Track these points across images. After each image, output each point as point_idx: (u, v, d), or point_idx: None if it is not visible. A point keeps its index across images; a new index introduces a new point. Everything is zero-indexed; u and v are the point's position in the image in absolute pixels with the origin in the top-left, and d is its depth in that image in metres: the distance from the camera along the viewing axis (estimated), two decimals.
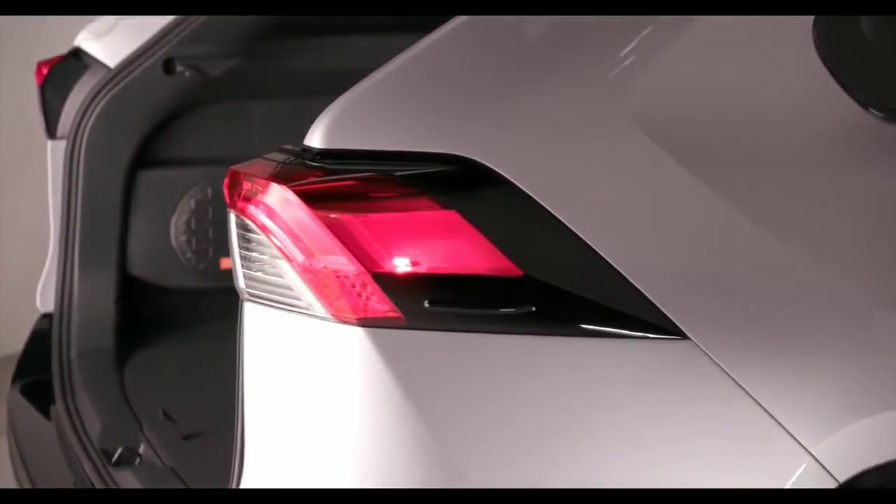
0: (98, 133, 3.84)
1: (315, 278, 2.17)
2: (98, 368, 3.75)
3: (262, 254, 2.23)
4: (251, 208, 2.22)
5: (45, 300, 3.97)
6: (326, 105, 4.13)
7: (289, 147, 2.29)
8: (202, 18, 3.85)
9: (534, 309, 2.15)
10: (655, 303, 2.16)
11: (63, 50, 4.04)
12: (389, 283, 2.15)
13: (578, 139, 2.22)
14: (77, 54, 4.01)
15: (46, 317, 3.95)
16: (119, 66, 3.85)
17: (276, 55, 4.04)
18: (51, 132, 3.96)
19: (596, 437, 2.15)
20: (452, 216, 2.16)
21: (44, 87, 3.98)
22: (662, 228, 2.19)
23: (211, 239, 4.05)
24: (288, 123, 4.12)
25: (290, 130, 4.14)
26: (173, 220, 4.01)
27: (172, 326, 4.02)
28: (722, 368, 2.16)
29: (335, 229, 2.15)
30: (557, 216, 2.16)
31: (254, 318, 2.27)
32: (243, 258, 2.25)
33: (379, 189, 2.18)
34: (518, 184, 2.17)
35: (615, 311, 2.16)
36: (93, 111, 3.83)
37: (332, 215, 2.16)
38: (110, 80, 3.84)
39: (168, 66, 3.88)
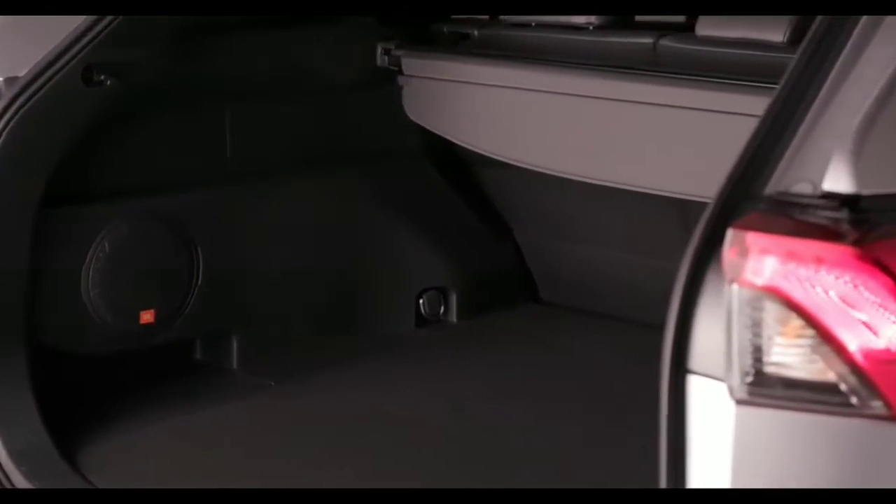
0: (4, 166, 2.94)
1: (884, 367, 1.62)
2: (51, 474, 2.88)
3: (790, 340, 1.64)
4: (781, 279, 1.63)
5: None
6: (281, 112, 3.48)
7: (788, 192, 1.70)
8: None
9: None
10: None
11: None
12: None
13: None
14: None
15: None
16: (28, 79, 2.97)
17: (215, 54, 3.28)
18: None
19: None
20: None
21: None
22: None
23: (129, 289, 3.22)
24: (233, 138, 3.37)
25: (234, 147, 3.42)
26: (84, 269, 3.16)
27: (104, 405, 3.17)
28: None
29: None
30: None
31: (757, 424, 1.68)
32: (753, 348, 1.65)
33: None
34: None
35: None
36: None
37: None
38: (17, 96, 2.95)
39: (87, 74, 3.03)
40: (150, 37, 3.13)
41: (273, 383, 3.38)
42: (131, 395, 3.24)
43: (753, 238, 1.65)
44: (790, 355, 1.66)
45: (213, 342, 3.47)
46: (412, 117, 3.61)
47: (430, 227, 3.76)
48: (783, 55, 3.15)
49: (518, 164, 3.46)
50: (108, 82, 3.06)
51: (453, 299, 3.78)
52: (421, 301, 3.74)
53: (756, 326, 1.66)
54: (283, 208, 3.50)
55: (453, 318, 3.78)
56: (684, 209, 3.51)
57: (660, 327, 3.59)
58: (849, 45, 1.87)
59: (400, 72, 3.61)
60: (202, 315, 3.35)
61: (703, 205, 3.25)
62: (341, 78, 3.60)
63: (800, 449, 1.69)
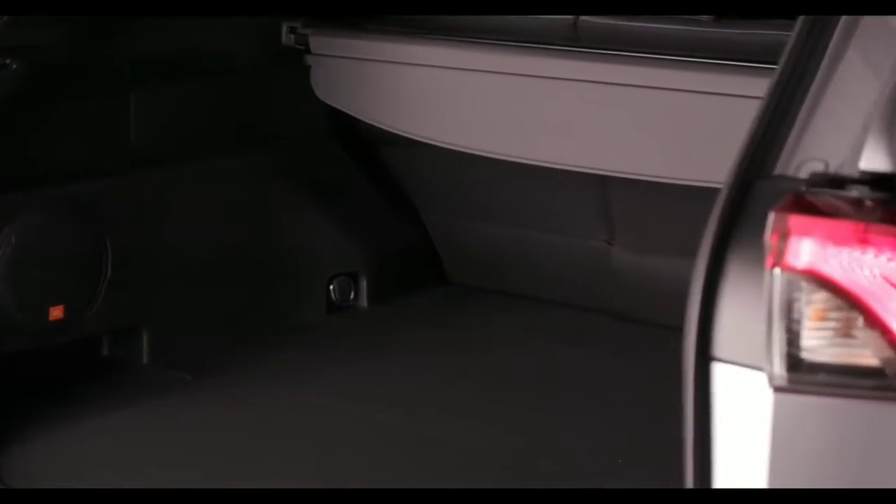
0: None
1: None
2: None
3: (833, 324, 1.59)
4: (823, 262, 1.57)
5: None
6: (186, 95, 3.33)
7: (818, 171, 1.65)
8: None
9: None
10: None
11: None
12: None
13: None
14: None
15: None
16: None
17: (117, 37, 3.14)
18: None
19: None
20: None
21: None
22: None
23: (38, 283, 3.06)
24: (137, 123, 3.22)
25: (139, 132, 3.26)
26: None
27: (14, 406, 3.00)
28: None
29: None
30: None
31: (797, 413, 1.62)
32: (795, 334, 1.60)
33: None
34: None
35: None
36: None
37: None
38: None
39: None
40: (54, 20, 2.97)
41: (189, 377, 3.25)
42: (41, 395, 3.07)
43: (796, 221, 1.60)
44: (833, 340, 1.61)
45: (121, 336, 3.32)
46: (322, 97, 3.50)
47: (339, 210, 3.65)
48: (709, 29, 3.14)
49: (434, 143, 3.38)
50: (14, 66, 2.90)
51: (363, 284, 3.68)
52: (331, 287, 3.63)
53: (798, 311, 1.61)
54: (189, 195, 3.36)
55: (364, 302, 3.69)
56: (601, 186, 3.47)
57: (570, 306, 3.60)
58: (840, 23, 1.83)
59: (307, 51, 3.49)
60: (112, 308, 3.20)
61: (623, 181, 3.28)
62: (245, 58, 3.47)
63: (843, 437, 1.64)
